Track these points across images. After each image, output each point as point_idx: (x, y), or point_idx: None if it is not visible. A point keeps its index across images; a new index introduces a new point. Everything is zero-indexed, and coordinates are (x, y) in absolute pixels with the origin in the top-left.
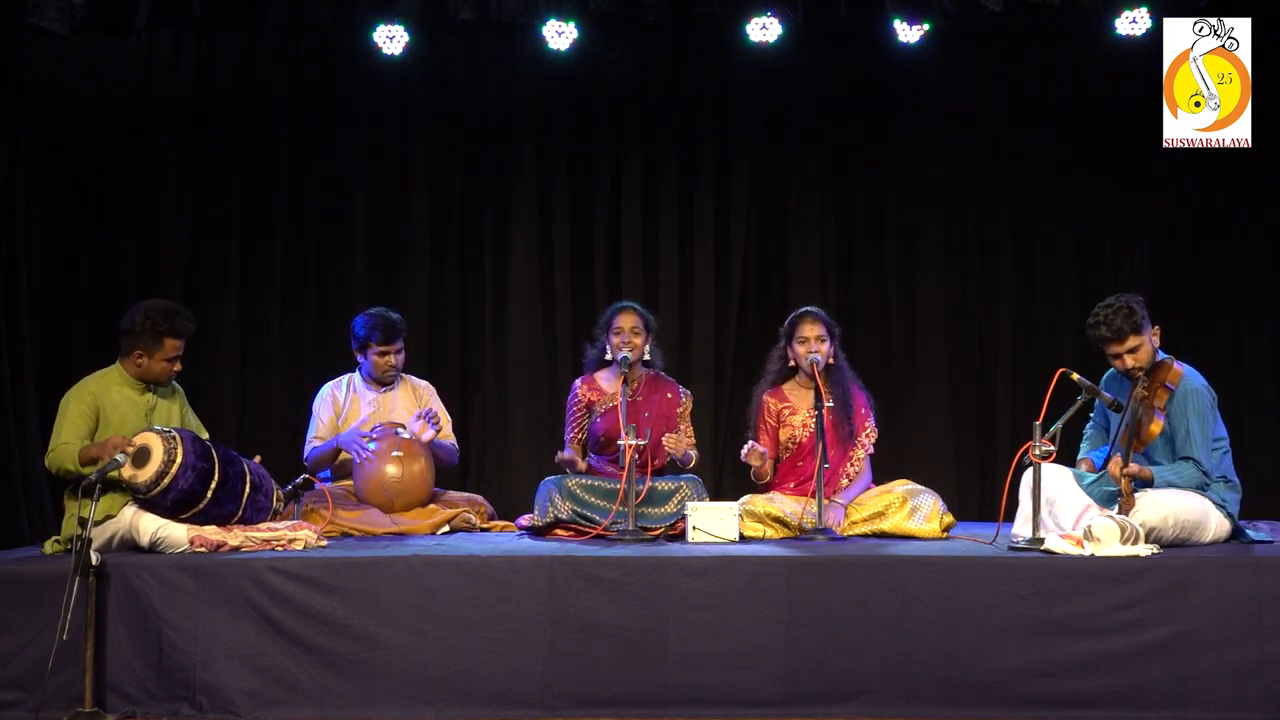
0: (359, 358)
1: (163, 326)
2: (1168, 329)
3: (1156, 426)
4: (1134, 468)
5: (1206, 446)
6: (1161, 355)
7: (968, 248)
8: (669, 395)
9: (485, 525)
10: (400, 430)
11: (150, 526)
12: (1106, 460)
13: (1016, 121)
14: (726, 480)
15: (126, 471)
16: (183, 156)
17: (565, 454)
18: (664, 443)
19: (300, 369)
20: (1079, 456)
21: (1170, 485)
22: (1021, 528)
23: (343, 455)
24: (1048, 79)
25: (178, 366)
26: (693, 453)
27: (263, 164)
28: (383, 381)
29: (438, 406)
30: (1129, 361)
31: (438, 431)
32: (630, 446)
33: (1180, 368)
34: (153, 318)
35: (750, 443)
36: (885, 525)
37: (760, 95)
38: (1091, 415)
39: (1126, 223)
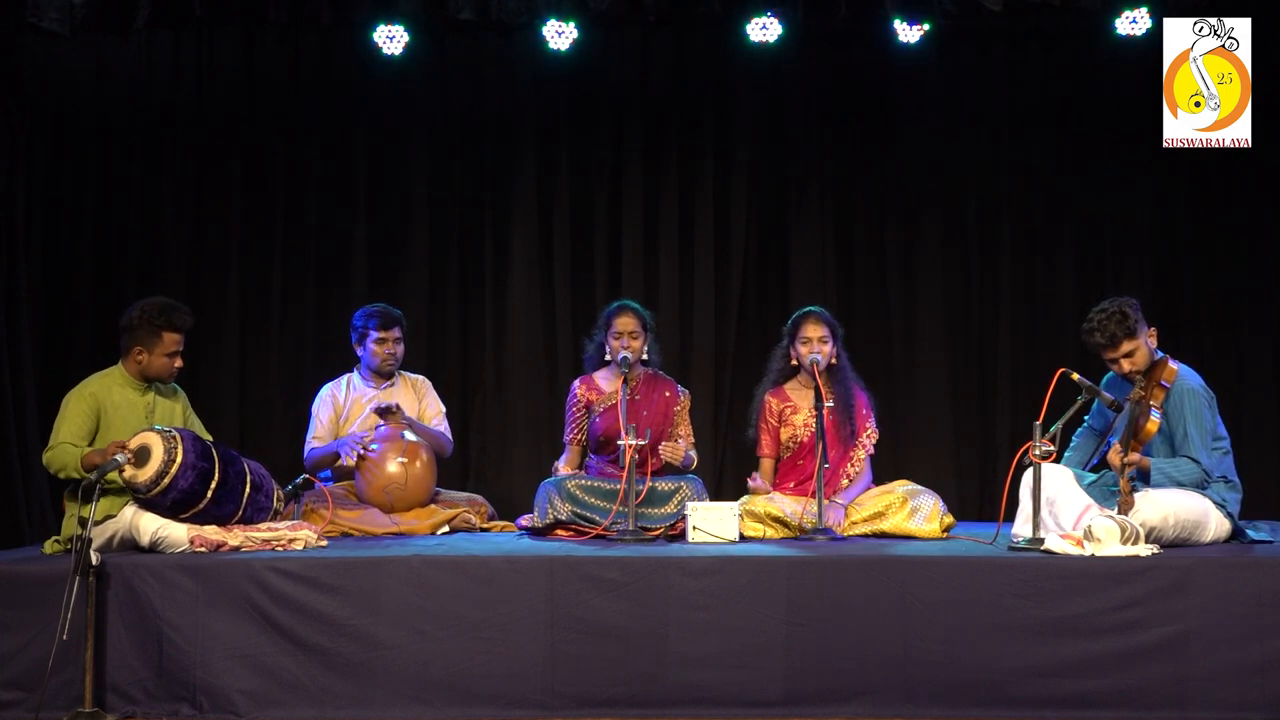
0: (358, 351)
1: (160, 321)
2: (1167, 329)
3: (1153, 425)
4: (1133, 456)
5: (1205, 446)
6: (1158, 354)
7: (968, 248)
8: (667, 394)
9: (485, 525)
10: (405, 432)
11: (150, 526)
12: (1090, 460)
13: (1016, 121)
14: (726, 480)
15: (127, 471)
16: (183, 156)
17: (559, 466)
18: (660, 452)
19: (300, 369)
20: (1061, 462)
21: (1168, 477)
22: (1021, 528)
23: (342, 458)
24: (1048, 79)
25: (179, 362)
26: (693, 454)
27: (263, 164)
28: (381, 373)
29: (433, 398)
30: (1125, 366)
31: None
32: (630, 447)
33: (1176, 366)
34: (149, 313)
35: (757, 479)
36: (885, 525)
37: (760, 95)
38: (1086, 418)
39: (1126, 223)
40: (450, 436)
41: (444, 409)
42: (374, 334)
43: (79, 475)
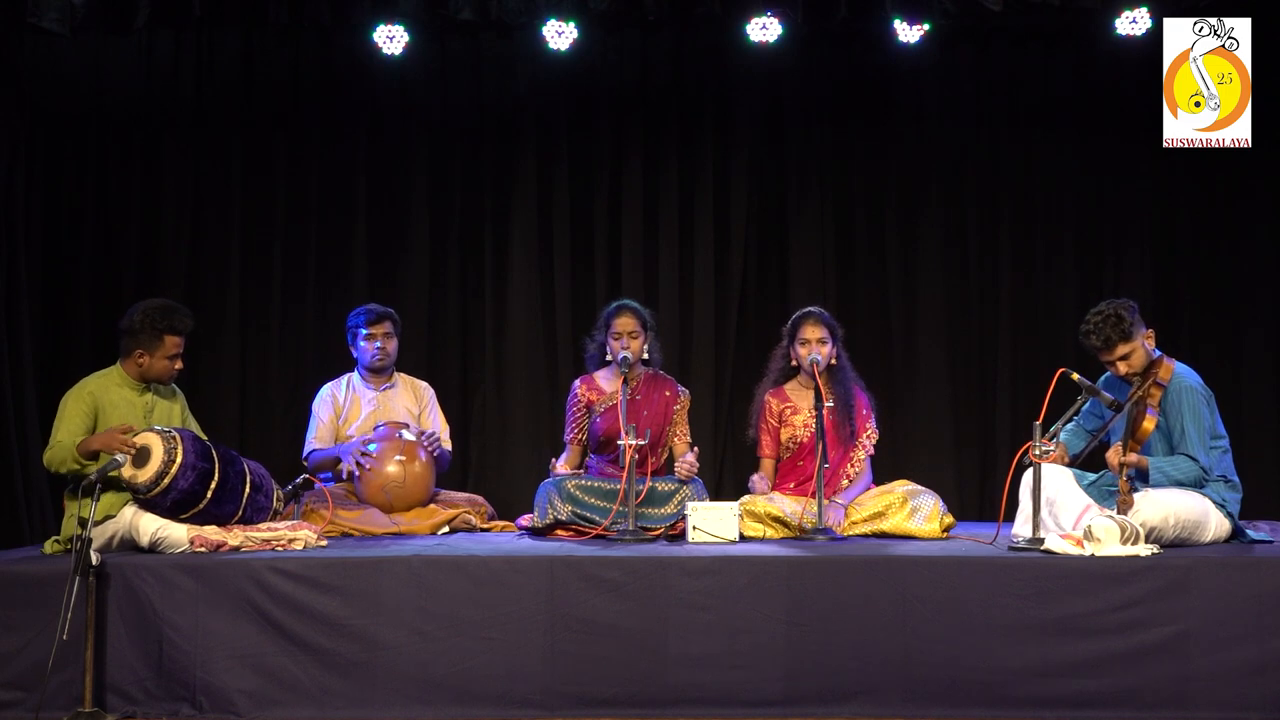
0: (354, 352)
1: (162, 324)
2: (1168, 329)
3: (1150, 423)
4: (1131, 456)
5: (1203, 444)
6: (1156, 353)
7: (968, 248)
8: (667, 394)
9: (485, 525)
10: (402, 431)
11: (150, 526)
12: (1081, 456)
13: (1016, 121)
14: (726, 480)
15: (126, 471)
16: (183, 156)
17: (558, 464)
18: (678, 471)
19: (300, 369)
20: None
21: (1166, 476)
22: (1021, 528)
23: (343, 464)
24: (1048, 79)
25: (179, 365)
26: (691, 456)
27: (263, 164)
28: (374, 369)
29: (437, 411)
30: (1122, 368)
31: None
32: (630, 446)
33: (1172, 364)
34: (152, 316)
35: (758, 478)
36: (885, 525)
37: (760, 95)
38: (1076, 419)
39: (1126, 223)
40: (450, 450)
41: (448, 428)
42: (363, 330)
43: (77, 465)
